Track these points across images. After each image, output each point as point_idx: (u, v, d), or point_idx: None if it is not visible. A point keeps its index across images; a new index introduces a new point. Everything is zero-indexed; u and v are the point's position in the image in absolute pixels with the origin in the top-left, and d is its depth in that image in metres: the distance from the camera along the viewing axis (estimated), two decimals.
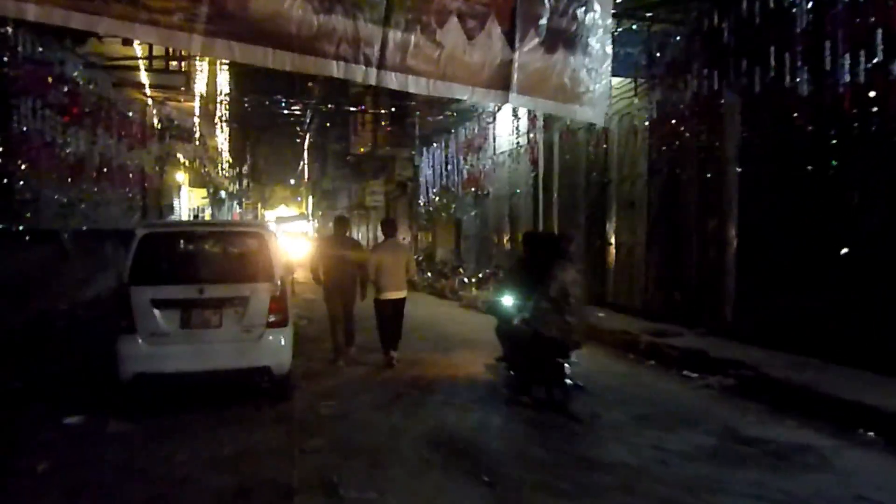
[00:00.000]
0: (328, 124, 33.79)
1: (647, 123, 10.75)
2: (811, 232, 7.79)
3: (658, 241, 10.64)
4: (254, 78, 31.03)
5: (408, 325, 9.15)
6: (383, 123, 26.56)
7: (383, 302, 8.55)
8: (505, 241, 16.97)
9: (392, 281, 8.51)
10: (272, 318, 6.21)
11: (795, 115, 7.78)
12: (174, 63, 19.25)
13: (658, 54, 9.73)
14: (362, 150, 29.48)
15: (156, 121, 17.97)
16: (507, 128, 16.03)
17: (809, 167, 7.71)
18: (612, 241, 11.93)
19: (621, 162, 11.70)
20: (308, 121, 39.37)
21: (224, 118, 25.67)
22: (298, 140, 52.51)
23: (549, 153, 14.41)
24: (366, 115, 28.78)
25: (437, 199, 21.02)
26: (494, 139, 16.97)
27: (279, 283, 6.31)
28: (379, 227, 9.76)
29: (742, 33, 8.31)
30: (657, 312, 10.44)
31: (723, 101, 8.75)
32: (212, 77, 23.87)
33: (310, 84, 28.83)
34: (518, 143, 15.54)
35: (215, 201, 29.35)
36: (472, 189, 18.74)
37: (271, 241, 6.43)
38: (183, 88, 18.75)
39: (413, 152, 21.53)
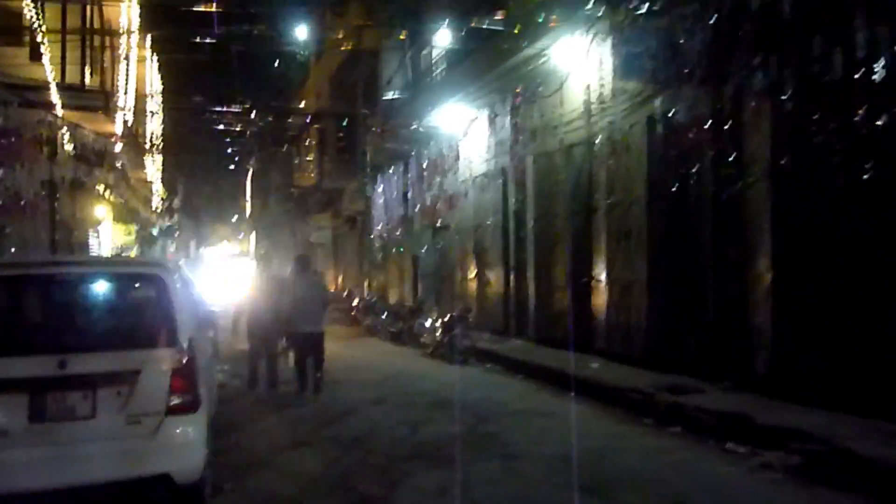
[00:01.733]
0: (270, 154, 31.69)
1: (646, 138, 9.21)
2: (873, 258, 6.26)
3: (662, 276, 9.01)
4: (187, 101, 28.87)
5: (363, 381, 8.87)
6: (328, 154, 24.74)
7: (296, 336, 8.86)
8: (469, 278, 15.17)
9: (307, 315, 8.73)
10: (175, 401, 4.18)
11: (844, 120, 6.33)
12: (90, 80, 17.07)
13: (665, 53, 8.21)
14: (306, 182, 27.51)
15: (68, 145, 15.64)
16: (474, 152, 14.36)
17: (860, 183, 6.22)
18: (602, 277, 10.26)
19: (612, 185, 10.11)
20: (248, 150, 37.19)
21: (153, 144, 23.31)
22: (238, 175, 50.09)
23: (522, 179, 12.77)
24: (310, 145, 26.93)
25: (391, 233, 19.14)
26: (457, 166, 15.29)
27: (186, 345, 4.30)
28: (294, 264, 9.93)
29: (774, 21, 6.87)
30: (663, 362, 8.76)
31: (751, 104, 7.25)
32: (139, 100, 21.61)
33: (246, 106, 26.84)
34: (486, 170, 13.89)
35: (146, 240, 26.71)
36: (432, 221, 16.94)
37: (173, 286, 4.42)
38: (101, 111, 16.54)
39: (365, 181, 19.63)
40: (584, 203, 10.82)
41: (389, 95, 18.48)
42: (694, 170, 8.36)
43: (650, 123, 9.14)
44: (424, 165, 16.85)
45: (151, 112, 22.76)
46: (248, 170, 47.42)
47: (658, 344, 9.04)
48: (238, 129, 24.88)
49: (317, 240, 26.20)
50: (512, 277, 13.18)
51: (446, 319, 12.26)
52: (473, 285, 14.98)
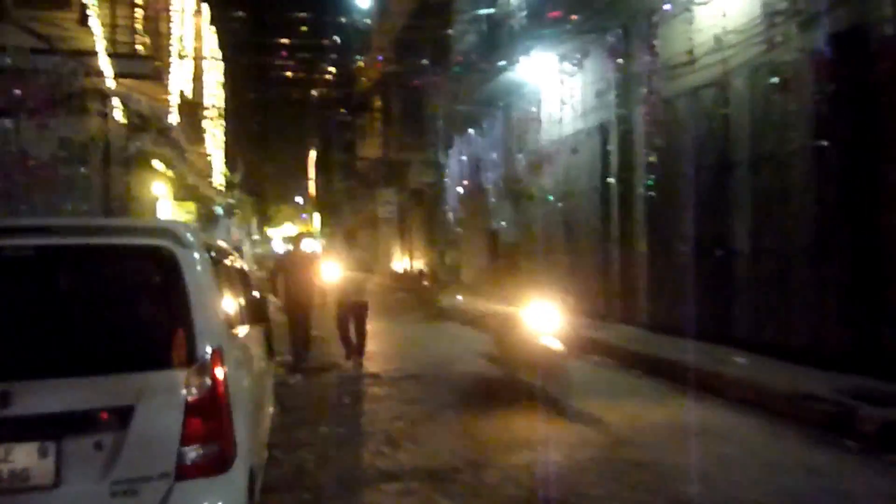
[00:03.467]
0: (334, 128, 30.34)
1: (812, 70, 7.08)
2: None
3: (838, 247, 6.92)
4: (249, 81, 27.72)
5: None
6: (394, 124, 23.11)
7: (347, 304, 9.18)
8: (558, 253, 13.26)
9: (354, 286, 9.20)
10: (192, 455, 2.52)
11: None
12: (141, 47, 15.85)
13: None
14: (371, 155, 26.02)
15: (120, 116, 14.48)
16: (564, 108, 12.37)
17: None
18: (745, 249, 8.21)
19: (759, 134, 8.01)
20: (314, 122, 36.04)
21: (214, 117, 22.16)
22: (302, 154, 49.37)
23: (627, 134, 10.74)
24: (374, 116, 25.37)
25: (466, 206, 17.36)
26: (542, 126, 13.33)
27: (210, 360, 2.63)
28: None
29: None
30: (838, 358, 6.71)
31: None
32: (197, 70, 20.45)
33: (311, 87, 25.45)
34: (580, 128, 11.88)
35: (208, 218, 25.83)
36: (513, 190, 15.09)
37: (191, 266, 2.76)
38: (153, 78, 15.30)
39: (437, 149, 17.85)
40: (717, 158, 8.74)
41: (462, 51, 16.62)
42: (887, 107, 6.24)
43: (819, 50, 6.99)
44: (503, 128, 14.95)
45: (210, 78, 21.55)
46: (310, 148, 46.58)
47: (831, 335, 6.97)
48: (301, 97, 23.48)
49: (383, 215, 24.69)
50: (615, 252, 11.21)
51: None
52: (564, 261, 13.07)
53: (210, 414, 2.58)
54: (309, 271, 9.45)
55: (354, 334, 9.13)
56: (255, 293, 4.82)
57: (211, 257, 3.12)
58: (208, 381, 2.60)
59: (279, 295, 9.61)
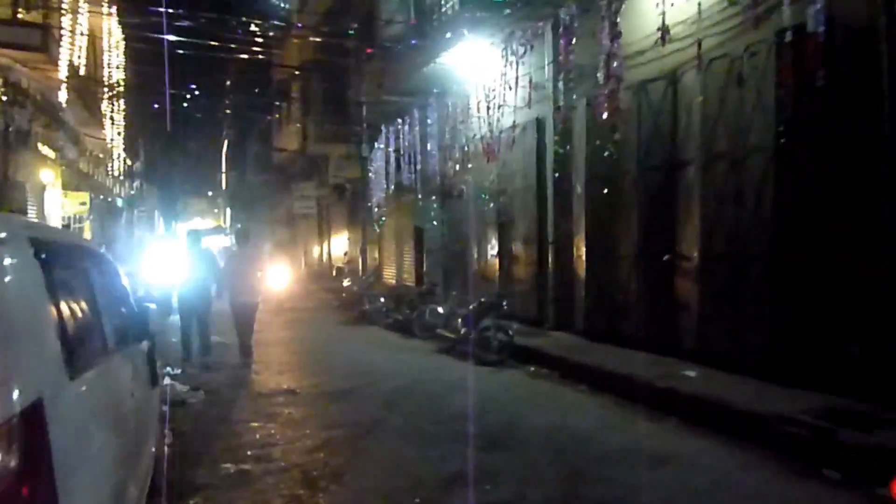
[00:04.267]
0: (247, 119, 28.65)
1: (773, 62, 6.60)
2: None
3: (798, 253, 6.45)
4: (155, 63, 25.63)
5: (370, 394, 7.03)
6: (313, 116, 21.83)
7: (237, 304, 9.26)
8: (490, 254, 12.55)
9: (245, 286, 9.27)
10: None
11: None
12: (24, 14, 14.02)
13: None
14: (289, 147, 24.60)
15: None
16: (497, 102, 11.62)
17: None
18: (694, 254, 7.70)
19: (711, 132, 7.51)
20: (226, 115, 34.05)
21: (112, 92, 20.15)
22: (215, 145, 46.83)
23: (566, 131, 10.12)
24: (291, 107, 23.98)
25: (390, 203, 16.41)
26: (473, 120, 12.56)
27: (19, 421, 1.62)
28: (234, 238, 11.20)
29: None
30: (798, 373, 6.26)
31: None
32: (93, 45, 18.48)
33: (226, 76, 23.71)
34: (515, 122, 11.18)
35: (107, 211, 23.65)
36: (441, 187, 14.29)
37: None
38: (40, 50, 13.51)
39: (360, 142, 16.79)
40: (665, 157, 8.21)
41: (389, 38, 15.65)
42: (857, 104, 5.81)
43: (780, 41, 6.51)
44: (432, 121, 14.10)
45: (108, 57, 19.59)
46: (223, 139, 44.21)
47: (790, 347, 6.51)
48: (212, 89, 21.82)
49: (300, 211, 23.35)
50: (550, 254, 10.57)
51: (474, 306, 9.64)
52: (495, 264, 12.37)
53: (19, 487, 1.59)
54: (203, 270, 9.20)
55: (241, 335, 9.19)
56: (132, 302, 3.76)
57: (42, 260, 2.09)
58: (14, 457, 1.60)
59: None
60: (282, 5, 28.17)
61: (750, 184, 6.96)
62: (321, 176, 23.06)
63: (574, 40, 9.44)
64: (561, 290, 10.27)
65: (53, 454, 1.78)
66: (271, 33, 23.96)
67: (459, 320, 9.95)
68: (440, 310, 11.54)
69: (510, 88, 11.22)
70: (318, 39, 20.67)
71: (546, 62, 10.51)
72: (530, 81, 10.70)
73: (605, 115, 8.03)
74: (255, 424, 6.06)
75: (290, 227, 28.11)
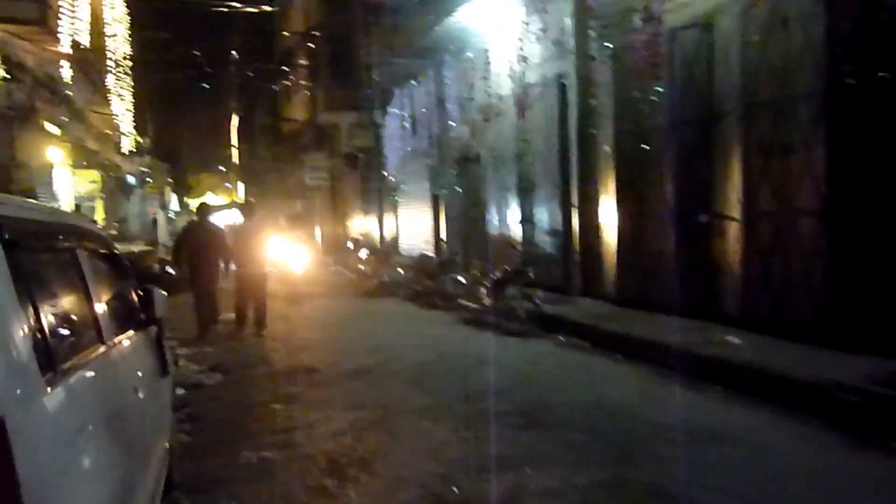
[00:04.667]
0: (255, 90, 28.10)
1: (822, 4, 6.02)
2: None
3: (851, 209, 5.96)
4: (160, 36, 25.10)
5: (398, 370, 6.73)
6: (322, 83, 21.26)
7: (242, 275, 9.46)
8: (510, 221, 12.09)
9: (251, 257, 9.37)
10: None
11: None
12: None
13: None
14: (298, 117, 24.10)
15: None
16: (516, 58, 11.05)
17: None
18: (736, 212, 7.21)
19: (752, 80, 6.96)
20: (234, 89, 33.50)
21: (117, 67, 19.69)
22: (224, 118, 46.32)
23: (590, 86, 9.57)
24: (298, 76, 23.40)
25: (405, 170, 15.92)
26: (490, 79, 12.00)
27: None
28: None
29: None
30: (847, 337, 5.81)
31: None
32: (95, 17, 17.97)
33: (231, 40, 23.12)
34: (534, 80, 10.62)
35: (120, 189, 23.34)
36: (458, 152, 13.78)
37: None
38: (38, 24, 13.05)
39: (372, 108, 16.26)
40: (700, 110, 7.67)
41: None
42: None
43: None
44: (446, 82, 13.55)
45: (115, 31, 19.08)
46: (232, 112, 43.66)
47: (844, 309, 6.05)
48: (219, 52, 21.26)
49: (312, 182, 22.91)
50: (575, 218, 10.11)
51: (498, 276, 9.24)
52: (517, 230, 11.92)
53: None
54: (213, 244, 9.40)
55: (252, 307, 9.33)
56: (135, 286, 3.38)
57: (6, 242, 1.70)
58: None
59: (182, 269, 9.82)
60: None
61: (798, 134, 6.44)
62: (332, 146, 22.58)
63: None
64: (587, 255, 9.83)
65: (22, 477, 1.42)
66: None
67: (483, 290, 9.57)
68: (461, 279, 11.18)
69: (527, 45, 10.66)
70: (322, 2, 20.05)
71: (568, 13, 9.88)
72: (551, 37, 10.12)
73: (643, 62, 7.45)
74: (276, 407, 5.73)
75: (304, 198, 27.72)
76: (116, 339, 2.69)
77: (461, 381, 6.31)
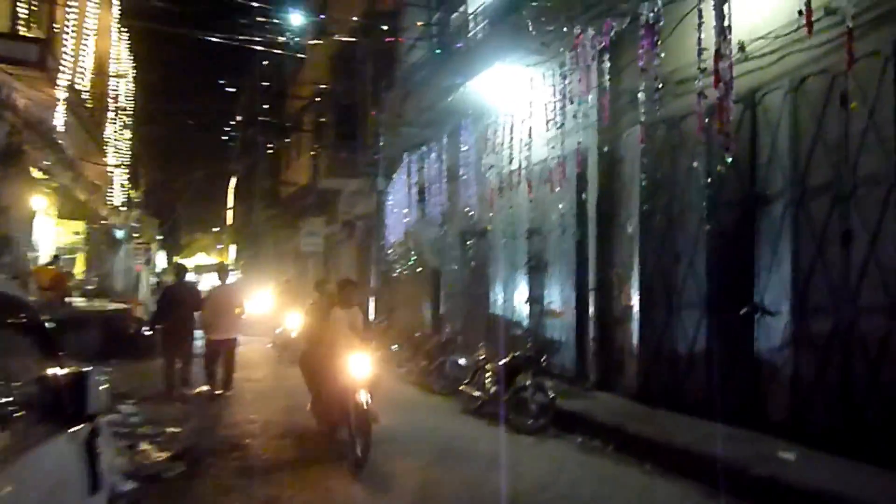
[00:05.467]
0: (257, 153, 27.76)
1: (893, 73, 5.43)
2: None
3: None
4: (161, 91, 24.90)
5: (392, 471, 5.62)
6: (325, 150, 20.84)
7: (212, 342, 9.57)
8: (517, 302, 11.25)
9: (222, 323, 9.54)
10: None
11: None
12: (24, 29, 13.15)
13: None
14: (298, 181, 23.60)
15: None
16: (531, 132, 10.50)
17: None
18: (782, 306, 6.40)
19: (805, 162, 6.30)
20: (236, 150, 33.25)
21: (117, 113, 19.18)
22: (223, 180, 46.12)
23: (612, 163, 8.96)
24: (302, 140, 23.07)
25: (405, 242, 15.19)
26: (502, 152, 11.41)
27: None
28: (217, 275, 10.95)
29: None
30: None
31: None
32: (100, 66, 17.60)
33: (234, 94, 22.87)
34: (549, 155, 10.02)
35: (106, 242, 22.48)
36: (463, 226, 13.07)
37: None
38: (36, 66, 12.55)
39: (374, 178, 15.67)
40: (742, 191, 6.98)
41: (409, 68, 14.67)
42: None
43: None
44: (455, 152, 12.99)
45: (115, 81, 18.69)
46: (230, 173, 43.45)
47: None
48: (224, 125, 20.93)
49: (307, 248, 22.12)
50: (592, 302, 9.27)
51: (506, 361, 8.31)
52: (525, 311, 11.05)
53: None
54: (189, 305, 9.55)
55: (222, 369, 9.49)
56: (64, 370, 2.49)
57: None
58: None
59: (157, 325, 10.08)
60: (296, 41, 27.55)
61: (862, 221, 5.71)
62: (331, 212, 21.94)
63: (620, 61, 8.34)
64: (605, 345, 8.95)
65: None
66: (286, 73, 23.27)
67: (488, 376, 8.60)
68: (462, 362, 10.22)
69: (545, 117, 10.13)
70: (333, 70, 19.87)
71: (594, 83, 9.35)
72: (571, 109, 9.57)
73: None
74: None
75: (298, 265, 26.88)
76: (19, 447, 1.80)
77: (474, 494, 5.30)
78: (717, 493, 5.26)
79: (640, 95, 7.57)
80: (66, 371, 2.48)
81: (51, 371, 2.44)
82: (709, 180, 7.29)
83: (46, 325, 2.80)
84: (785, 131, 6.51)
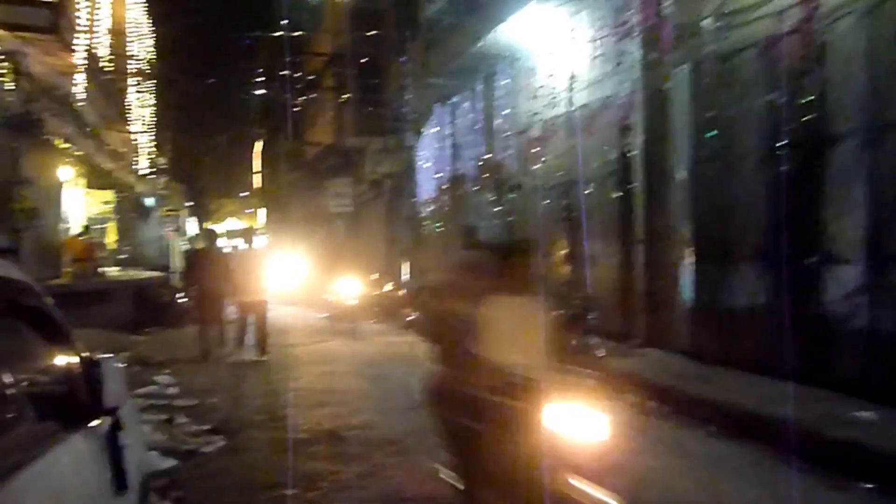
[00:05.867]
0: (279, 114, 27.33)
1: None
2: None
3: None
4: (181, 53, 24.48)
5: None
6: (349, 106, 20.31)
7: (241, 304, 9.66)
8: (557, 256, 10.81)
9: (250, 285, 9.51)
10: None
11: None
12: None
13: None
14: (322, 140, 23.16)
15: (4, 78, 11.33)
16: (566, 77, 9.89)
17: None
18: (855, 256, 5.87)
19: (883, 97, 5.69)
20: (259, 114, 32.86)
21: (137, 77, 18.87)
22: (248, 144, 45.89)
23: (659, 106, 8.35)
24: (326, 96, 22.53)
25: (437, 198, 14.75)
26: (537, 100, 10.83)
27: None
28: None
29: None
30: None
31: None
32: (117, 30, 17.23)
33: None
34: (589, 100, 9.44)
35: (136, 211, 22.45)
36: (496, 180, 12.59)
37: None
38: (52, 32, 12.20)
39: (402, 134, 15.17)
40: (806, 130, 6.39)
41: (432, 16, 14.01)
42: None
43: None
44: (484, 104, 12.43)
45: (134, 48, 18.31)
46: (255, 137, 43.14)
47: None
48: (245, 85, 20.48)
49: (335, 209, 21.81)
50: (639, 255, 8.80)
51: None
52: (564, 267, 10.62)
53: None
54: (220, 270, 9.59)
55: (256, 333, 9.59)
56: (79, 359, 2.16)
57: None
58: None
59: (190, 292, 10.26)
60: None
61: None
62: (357, 172, 21.54)
63: None
64: (655, 299, 8.50)
65: None
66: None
67: None
68: None
69: (582, 61, 9.51)
70: (352, 24, 19.23)
71: (633, 25, 8.71)
72: (612, 51, 8.94)
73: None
74: (289, 494, 4.43)
75: (326, 226, 26.66)
76: (26, 453, 1.48)
77: None
78: (790, 458, 4.85)
79: (701, 25, 6.91)
80: (77, 360, 2.14)
81: (59, 361, 2.10)
82: (771, 120, 6.71)
83: (66, 301, 2.49)
84: (859, 61, 5.88)
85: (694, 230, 7.82)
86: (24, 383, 1.93)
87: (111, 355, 2.24)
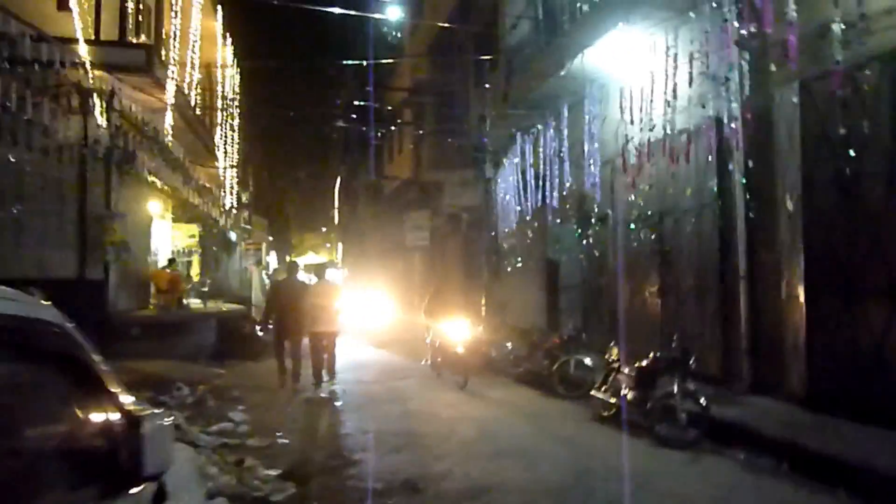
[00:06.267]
0: (358, 151, 27.76)
1: None
2: None
3: None
4: (265, 89, 25.25)
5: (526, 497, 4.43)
6: (426, 140, 20.31)
7: (314, 334, 9.91)
8: (648, 292, 10.12)
9: (323, 316, 9.86)
10: None
11: None
12: (132, 36, 13.36)
13: None
14: (400, 174, 23.24)
15: (98, 115, 11.79)
16: (656, 101, 9.33)
17: None
18: None
19: None
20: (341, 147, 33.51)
21: (224, 112, 19.46)
22: (330, 179, 46.99)
23: (765, 128, 7.66)
24: (403, 134, 22.66)
25: (517, 232, 14.31)
26: (623, 127, 10.29)
27: None
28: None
29: None
30: None
31: None
32: (207, 70, 17.87)
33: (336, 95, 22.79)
34: (681, 125, 8.84)
35: (220, 244, 23.06)
36: (579, 212, 12.04)
37: None
38: (145, 71, 12.68)
39: (481, 167, 14.87)
40: None
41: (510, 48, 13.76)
42: None
43: None
44: (567, 132, 11.96)
45: (222, 88, 18.95)
46: (336, 175, 44.10)
47: None
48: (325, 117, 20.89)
49: (413, 242, 21.69)
50: (742, 292, 8.04)
51: (645, 363, 7.28)
52: (655, 304, 9.91)
53: None
54: (300, 301, 9.81)
55: (326, 361, 9.86)
56: (117, 414, 1.83)
57: None
58: None
59: (270, 322, 10.32)
60: (393, 33, 27.31)
61: None
62: (435, 205, 21.40)
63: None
64: (762, 341, 7.70)
65: None
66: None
67: (624, 379, 7.60)
68: (589, 362, 9.26)
69: (671, 86, 8.94)
70: (431, 59, 19.27)
71: (728, 44, 8.09)
72: (704, 74, 8.34)
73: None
74: None
75: (404, 260, 26.63)
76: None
77: None
78: None
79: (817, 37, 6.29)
80: (118, 417, 1.81)
81: (97, 418, 1.78)
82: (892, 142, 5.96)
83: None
84: None
85: (807, 263, 7.04)
86: (54, 444, 1.61)
87: (159, 410, 1.91)
